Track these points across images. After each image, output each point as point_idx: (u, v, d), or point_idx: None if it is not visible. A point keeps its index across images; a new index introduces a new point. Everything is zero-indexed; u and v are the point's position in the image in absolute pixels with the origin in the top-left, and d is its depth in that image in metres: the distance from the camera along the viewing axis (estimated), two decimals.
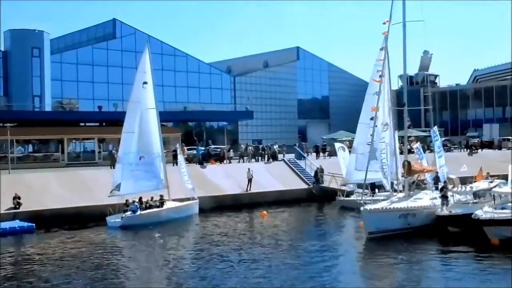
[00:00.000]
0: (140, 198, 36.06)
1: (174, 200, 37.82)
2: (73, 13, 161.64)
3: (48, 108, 63.60)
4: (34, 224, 32.22)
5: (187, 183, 39.01)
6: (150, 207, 36.28)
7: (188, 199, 38.69)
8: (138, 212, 34.77)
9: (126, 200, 35.50)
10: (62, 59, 70.26)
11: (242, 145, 58.17)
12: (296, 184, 46.67)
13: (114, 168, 44.22)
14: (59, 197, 36.34)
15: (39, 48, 64.09)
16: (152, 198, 36.86)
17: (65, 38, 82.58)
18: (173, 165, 44.29)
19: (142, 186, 36.37)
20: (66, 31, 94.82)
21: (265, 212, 38.41)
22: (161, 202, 36.85)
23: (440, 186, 31.96)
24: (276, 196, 43.36)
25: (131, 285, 21.63)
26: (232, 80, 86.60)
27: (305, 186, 46.35)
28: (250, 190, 43.40)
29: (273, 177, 46.67)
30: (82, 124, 59.92)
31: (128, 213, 34.42)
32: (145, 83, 38.12)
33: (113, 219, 33.93)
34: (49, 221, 33.17)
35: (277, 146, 54.79)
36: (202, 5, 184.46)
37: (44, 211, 34.32)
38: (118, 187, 35.56)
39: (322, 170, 47.13)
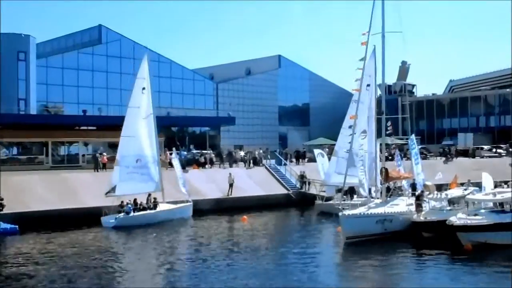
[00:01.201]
0: (135, 200, 36.51)
1: (168, 202, 38.25)
2: (59, 18, 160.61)
3: (33, 111, 63.01)
4: (17, 226, 31.83)
5: (181, 187, 39.55)
6: (144, 209, 36.72)
7: (182, 201, 39.09)
8: (132, 214, 35.25)
9: (122, 201, 35.85)
10: (48, 64, 69.85)
11: (229, 151, 58.06)
12: (276, 189, 46.72)
13: (98, 171, 44.30)
14: (43, 199, 35.98)
15: (25, 52, 63.53)
16: (149, 196, 37.50)
17: (51, 43, 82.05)
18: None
19: (137, 188, 36.95)
20: (52, 36, 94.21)
21: (245, 216, 38.36)
22: (155, 204, 37.29)
23: (417, 193, 32.05)
24: (256, 201, 43.32)
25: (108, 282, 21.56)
26: (215, 86, 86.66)
27: (285, 191, 46.42)
28: (231, 194, 43.36)
29: (254, 182, 46.67)
30: (66, 127, 59.44)
31: (121, 214, 34.80)
32: (143, 88, 38.82)
33: (108, 220, 34.35)
34: (33, 223, 32.69)
35: (261, 151, 54.82)
36: (186, 13, 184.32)
37: (28, 213, 33.87)
38: (113, 189, 36.02)
39: (302, 176, 47.33)
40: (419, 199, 30.25)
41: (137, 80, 39.22)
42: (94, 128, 58.12)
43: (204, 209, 40.23)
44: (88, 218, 34.18)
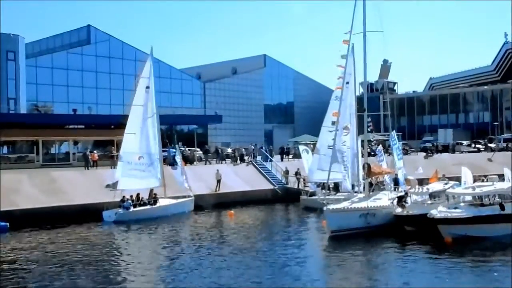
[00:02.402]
0: (138, 195, 37.05)
1: (170, 197, 38.63)
2: (47, 19, 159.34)
3: (23, 110, 62.39)
4: (7, 224, 31.47)
5: (184, 182, 39.93)
6: (144, 204, 37.10)
7: (184, 196, 39.36)
8: (131, 209, 35.62)
9: (123, 196, 36.16)
10: (37, 63, 69.23)
11: (216, 148, 57.98)
12: (262, 185, 46.65)
13: (88, 169, 44.00)
14: (33, 197, 35.60)
15: (14, 51, 62.76)
16: (151, 191, 37.97)
17: (40, 43, 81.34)
18: None
19: (139, 184, 37.41)
20: (40, 36, 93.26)
21: (232, 211, 38.31)
22: (155, 200, 37.67)
23: (399, 194, 31.16)
24: (243, 196, 43.25)
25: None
26: (202, 85, 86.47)
27: (271, 187, 46.37)
28: (219, 190, 43.23)
29: (241, 178, 46.57)
30: (56, 126, 58.96)
31: (120, 209, 35.21)
32: (147, 87, 39.28)
33: (108, 214, 34.71)
34: (23, 220, 32.37)
35: (252, 147, 55.09)
36: (174, 14, 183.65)
37: (17, 211, 33.48)
38: (114, 184, 36.48)
39: (287, 172, 47.29)
40: (401, 200, 30.03)
41: (141, 79, 39.72)
42: (83, 126, 57.65)
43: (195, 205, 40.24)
44: (79, 215, 34.05)
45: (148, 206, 37.11)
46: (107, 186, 36.62)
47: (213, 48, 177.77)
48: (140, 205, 36.91)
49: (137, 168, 37.82)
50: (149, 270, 22.90)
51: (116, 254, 26.17)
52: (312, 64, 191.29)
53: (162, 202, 37.85)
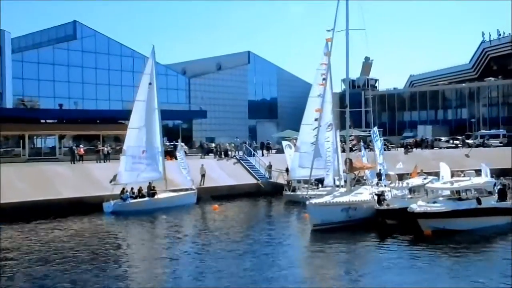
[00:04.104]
0: (140, 188, 38.00)
1: (171, 190, 39.43)
2: (33, 14, 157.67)
3: (9, 105, 61.62)
4: None
5: (186, 176, 40.60)
6: (143, 196, 37.83)
7: (186, 189, 40.09)
8: (128, 201, 36.50)
9: (123, 189, 37.03)
10: (23, 58, 68.35)
11: (201, 143, 57.82)
12: (246, 179, 46.65)
13: (74, 163, 43.71)
14: (19, 190, 35.24)
15: (0, 46, 61.97)
16: (149, 184, 38.62)
17: (26, 38, 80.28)
18: None
19: (142, 177, 38.44)
20: (26, 31, 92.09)
21: (216, 205, 38.30)
22: (152, 192, 38.28)
23: (378, 193, 30.75)
24: (227, 190, 43.22)
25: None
26: (187, 81, 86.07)
27: (255, 181, 46.40)
28: (203, 184, 43.16)
29: (225, 172, 46.54)
30: (43, 121, 58.41)
31: (119, 201, 36.16)
32: (150, 84, 39.80)
33: (107, 205, 35.56)
34: (10, 214, 32.11)
35: (239, 141, 54.87)
36: (159, 11, 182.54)
37: (4, 204, 33.08)
38: (115, 177, 37.19)
39: (270, 166, 47.35)
40: (380, 198, 29.90)
41: (143, 76, 40.28)
42: (69, 121, 57.18)
43: None
44: (66, 208, 34.03)
45: (146, 198, 37.72)
46: (111, 181, 36.94)
47: (198, 44, 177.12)
48: (140, 197, 37.67)
49: (141, 161, 38.68)
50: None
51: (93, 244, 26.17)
52: (294, 61, 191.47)
53: (161, 195, 38.59)
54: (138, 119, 39.26)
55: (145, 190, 38.40)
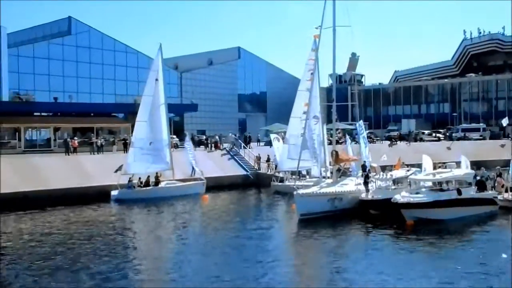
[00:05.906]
0: (148, 178, 39.09)
1: (180, 180, 40.39)
2: (29, 10, 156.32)
3: (5, 98, 61.15)
4: None
5: (194, 166, 41.83)
6: (148, 185, 38.92)
7: (195, 179, 41.10)
8: (133, 189, 37.97)
9: (129, 178, 38.14)
10: (19, 53, 67.81)
11: (192, 136, 57.51)
12: (235, 171, 46.65)
13: (69, 154, 43.50)
14: (13, 181, 35.02)
15: None
16: (156, 174, 39.58)
17: (22, 33, 79.57)
18: (124, 152, 44.14)
19: (150, 168, 39.47)
20: (22, 27, 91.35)
21: (206, 195, 38.32)
22: (157, 182, 39.37)
23: (364, 174, 32.23)
24: (217, 182, 43.21)
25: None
26: (179, 76, 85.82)
27: (244, 173, 46.43)
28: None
29: (215, 164, 46.49)
30: (37, 113, 58.03)
31: (124, 189, 37.39)
32: (156, 80, 40.97)
33: (114, 193, 36.91)
34: (3, 204, 31.97)
35: (233, 135, 55.08)
36: (151, 7, 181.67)
37: None
38: (120, 167, 37.78)
39: (259, 158, 47.38)
40: (366, 180, 30.48)
41: (151, 72, 41.45)
42: (64, 114, 56.81)
43: None
44: (57, 198, 34.06)
45: (151, 187, 38.75)
46: (116, 171, 37.45)
47: (189, 39, 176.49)
48: (146, 186, 38.82)
49: (149, 152, 39.58)
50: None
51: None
52: (282, 57, 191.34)
53: (167, 184, 39.59)
54: (145, 113, 40.29)
55: (152, 180, 39.39)
